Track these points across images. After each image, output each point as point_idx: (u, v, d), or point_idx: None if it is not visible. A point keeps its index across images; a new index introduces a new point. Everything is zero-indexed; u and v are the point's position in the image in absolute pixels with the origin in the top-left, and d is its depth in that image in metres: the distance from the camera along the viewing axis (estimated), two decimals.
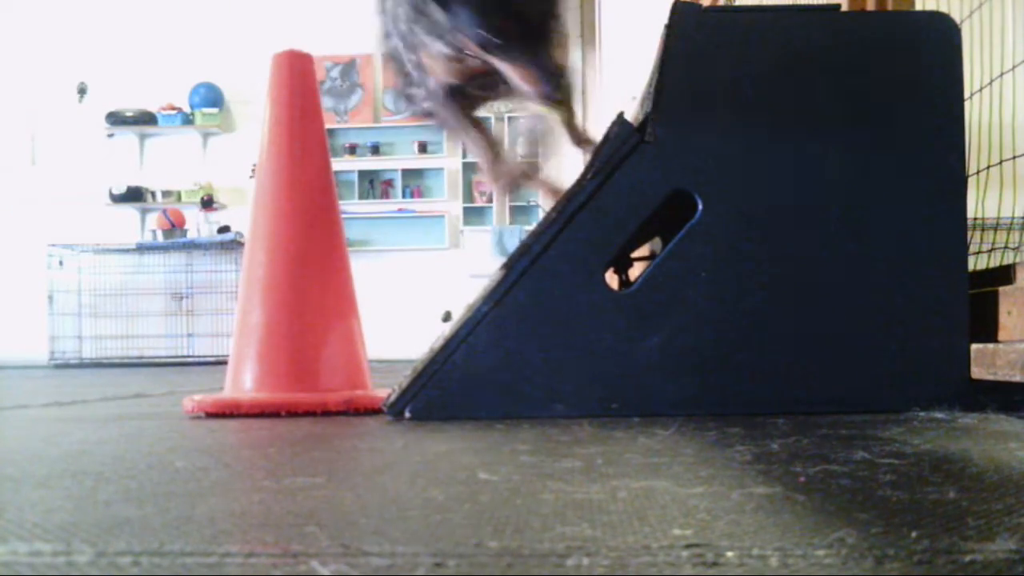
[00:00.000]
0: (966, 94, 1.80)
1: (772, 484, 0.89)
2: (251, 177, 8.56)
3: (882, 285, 1.71)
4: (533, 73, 1.71)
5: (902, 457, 1.06)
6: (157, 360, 8.88)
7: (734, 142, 1.74)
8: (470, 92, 1.95)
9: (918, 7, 2.21)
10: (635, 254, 2.43)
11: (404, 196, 9.36)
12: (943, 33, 1.75)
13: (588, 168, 1.76)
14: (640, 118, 1.89)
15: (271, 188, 2.04)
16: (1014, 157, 1.93)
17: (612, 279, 2.07)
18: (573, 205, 1.72)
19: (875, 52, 1.75)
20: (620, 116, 1.78)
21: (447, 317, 8.18)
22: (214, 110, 9.40)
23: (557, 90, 1.72)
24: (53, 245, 8.95)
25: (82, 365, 8.75)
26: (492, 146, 2.01)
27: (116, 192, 9.33)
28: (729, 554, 0.61)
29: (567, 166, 2.21)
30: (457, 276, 9.00)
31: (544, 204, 2.01)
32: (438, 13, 1.71)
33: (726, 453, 1.13)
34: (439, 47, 1.80)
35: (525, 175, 1.99)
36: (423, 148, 9.21)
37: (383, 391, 1.93)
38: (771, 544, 0.64)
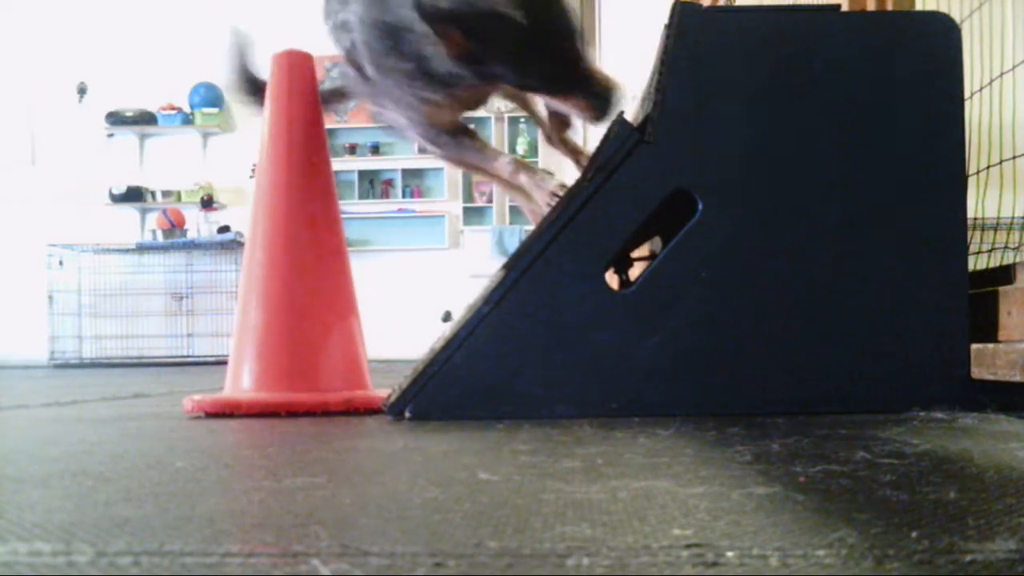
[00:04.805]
0: (966, 94, 1.80)
1: (772, 484, 0.89)
2: (251, 177, 8.56)
3: (882, 285, 1.71)
4: (584, 102, 1.76)
5: (902, 457, 1.06)
6: (157, 360, 8.88)
7: (734, 142, 1.74)
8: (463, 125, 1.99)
9: (918, 7, 2.21)
10: (635, 254, 2.43)
11: (404, 196, 9.36)
12: (943, 33, 1.75)
13: (589, 168, 1.76)
14: (640, 118, 1.89)
15: (271, 188, 2.04)
16: (1014, 157, 1.93)
17: (612, 279, 2.07)
18: (574, 205, 1.72)
19: (875, 52, 1.75)
20: (620, 116, 1.78)
21: (447, 317, 8.18)
22: (214, 110, 9.40)
23: (610, 106, 1.80)
24: (53, 245, 8.95)
25: (82, 365, 8.75)
26: (483, 147, 2.04)
27: (116, 192, 9.33)
28: (729, 554, 0.61)
29: (566, 166, 2.22)
30: (457, 276, 9.00)
31: (530, 214, 2.03)
32: (444, 67, 1.75)
33: (726, 453, 1.13)
34: (433, 94, 1.84)
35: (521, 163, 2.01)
36: (423, 148, 9.20)
37: (383, 391, 1.93)
38: (771, 544, 0.64)
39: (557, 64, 1.77)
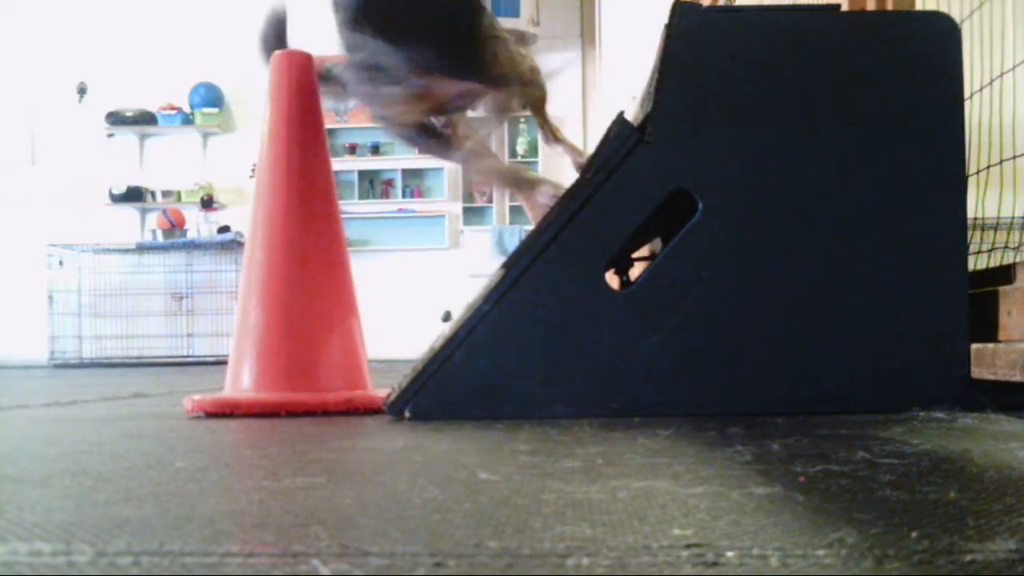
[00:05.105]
0: (966, 94, 1.80)
1: (772, 484, 0.89)
2: (251, 177, 8.56)
3: (882, 285, 1.71)
4: (477, 88, 1.65)
5: (902, 457, 1.06)
6: (157, 360, 8.88)
7: (734, 142, 1.74)
8: (439, 129, 1.93)
9: (918, 7, 2.21)
10: (635, 255, 2.43)
11: (404, 196, 9.36)
12: (943, 33, 1.75)
13: (588, 167, 1.76)
14: (640, 118, 1.89)
15: (271, 188, 2.04)
16: (1014, 157, 1.93)
17: (613, 280, 2.07)
18: (574, 205, 1.72)
19: (875, 52, 1.75)
20: (620, 116, 1.78)
21: (447, 317, 8.18)
22: (214, 110, 9.39)
23: (511, 97, 1.66)
24: (53, 245, 8.95)
25: (82, 365, 8.75)
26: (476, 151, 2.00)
27: (116, 192, 9.33)
28: (729, 554, 0.61)
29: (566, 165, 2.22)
30: (457, 276, 9.00)
31: (531, 213, 1.99)
32: (387, 57, 1.65)
33: (726, 453, 1.13)
34: (395, 90, 1.76)
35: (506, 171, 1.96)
36: None
37: (383, 391, 1.93)
38: (771, 544, 0.64)
39: (448, 42, 1.61)
